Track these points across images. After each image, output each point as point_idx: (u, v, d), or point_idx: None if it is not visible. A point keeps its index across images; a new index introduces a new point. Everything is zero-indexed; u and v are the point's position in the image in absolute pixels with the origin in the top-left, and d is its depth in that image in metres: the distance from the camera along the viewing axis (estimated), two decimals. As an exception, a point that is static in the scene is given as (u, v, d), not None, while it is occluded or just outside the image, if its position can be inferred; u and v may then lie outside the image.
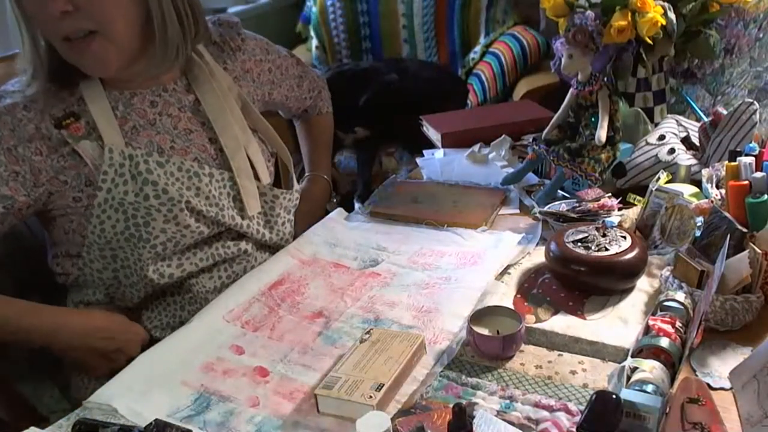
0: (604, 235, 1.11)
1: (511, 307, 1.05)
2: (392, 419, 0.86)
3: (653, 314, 0.97)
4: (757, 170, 1.09)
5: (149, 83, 1.19)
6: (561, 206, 1.28)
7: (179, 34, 1.14)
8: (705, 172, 1.22)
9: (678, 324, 0.93)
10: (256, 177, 1.27)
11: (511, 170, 1.50)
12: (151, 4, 1.09)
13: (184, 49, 1.17)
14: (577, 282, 1.08)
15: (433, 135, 1.77)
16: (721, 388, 0.88)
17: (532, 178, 1.48)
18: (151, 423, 0.84)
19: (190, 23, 1.16)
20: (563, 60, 1.33)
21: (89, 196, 1.13)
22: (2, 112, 1.11)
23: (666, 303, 0.98)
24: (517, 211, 1.39)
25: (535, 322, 1.03)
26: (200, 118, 1.23)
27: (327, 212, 1.46)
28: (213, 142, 1.23)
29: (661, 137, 1.38)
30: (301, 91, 1.49)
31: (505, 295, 1.11)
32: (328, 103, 1.62)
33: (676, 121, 1.44)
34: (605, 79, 1.33)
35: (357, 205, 1.48)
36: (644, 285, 1.09)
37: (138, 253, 1.15)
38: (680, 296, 0.98)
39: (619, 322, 1.01)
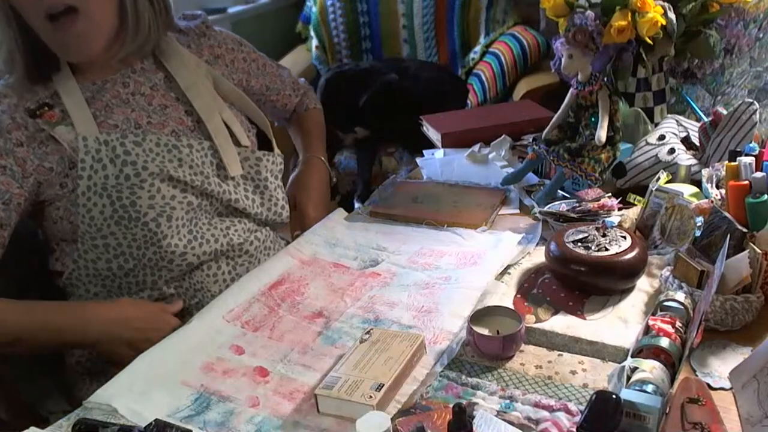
0: (604, 235, 1.11)
1: (511, 307, 1.05)
2: (392, 419, 0.86)
3: (653, 314, 0.97)
4: (757, 170, 1.09)
5: (118, 66, 1.22)
6: (561, 206, 1.28)
7: (151, 15, 1.19)
8: (705, 172, 1.22)
9: (678, 324, 0.93)
10: (236, 143, 1.28)
11: (511, 170, 1.50)
12: None
13: (156, 30, 1.21)
14: (577, 282, 1.08)
15: (433, 135, 1.77)
16: (721, 388, 0.88)
17: (532, 178, 1.48)
18: (151, 423, 0.84)
19: (160, 6, 1.21)
20: (563, 60, 1.33)
21: (74, 179, 1.15)
22: None
23: (666, 303, 0.98)
24: (517, 211, 1.39)
25: (535, 322, 1.03)
26: (173, 93, 1.26)
27: (332, 194, 1.47)
28: (189, 114, 1.26)
29: (661, 137, 1.38)
30: (284, 84, 1.52)
31: (505, 295, 1.11)
32: (315, 101, 1.66)
33: (676, 121, 1.44)
34: (605, 79, 1.33)
35: (357, 205, 1.48)
36: (644, 285, 1.09)
37: (132, 234, 1.16)
38: (680, 296, 0.98)
39: (619, 322, 1.01)
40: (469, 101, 2.70)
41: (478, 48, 2.81)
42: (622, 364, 0.88)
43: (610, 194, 1.28)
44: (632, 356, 0.90)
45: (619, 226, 1.15)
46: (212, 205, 1.25)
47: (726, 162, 1.14)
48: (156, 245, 1.18)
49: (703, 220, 1.10)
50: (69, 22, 1.10)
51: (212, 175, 1.23)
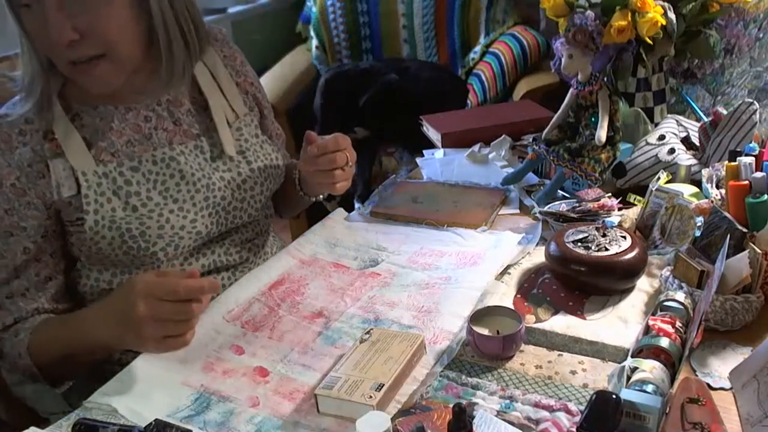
0: (604, 235, 1.11)
1: (511, 307, 1.05)
2: (392, 419, 0.87)
3: (653, 314, 0.97)
4: (757, 170, 1.09)
5: (144, 98, 1.18)
6: (561, 206, 1.28)
7: (185, 52, 1.14)
8: (705, 172, 1.22)
9: (678, 324, 0.93)
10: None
11: (511, 170, 1.50)
12: (156, 23, 1.08)
13: (190, 67, 1.17)
14: (577, 282, 1.08)
15: (433, 135, 1.77)
16: (721, 388, 0.88)
17: (532, 178, 1.48)
18: (151, 423, 0.84)
19: (194, 40, 1.15)
20: (563, 60, 1.33)
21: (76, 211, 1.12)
22: None
23: (666, 303, 0.98)
24: (517, 211, 1.39)
25: (535, 322, 1.03)
26: (198, 126, 1.22)
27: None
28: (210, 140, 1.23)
29: (661, 137, 1.38)
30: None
31: (505, 295, 1.11)
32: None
33: (676, 121, 1.44)
34: (605, 79, 1.33)
35: (357, 205, 1.48)
36: (644, 285, 1.09)
37: (139, 260, 1.14)
38: (680, 296, 0.98)
39: (619, 322, 1.01)
40: (469, 101, 2.70)
41: (478, 48, 2.81)
42: (622, 364, 0.88)
43: (610, 194, 1.28)
44: (632, 356, 0.90)
45: (619, 226, 1.15)
46: (218, 222, 1.20)
47: (726, 162, 1.14)
48: (160, 267, 1.16)
49: (703, 220, 1.10)
50: (90, 66, 1.06)
51: (209, 167, 1.20)
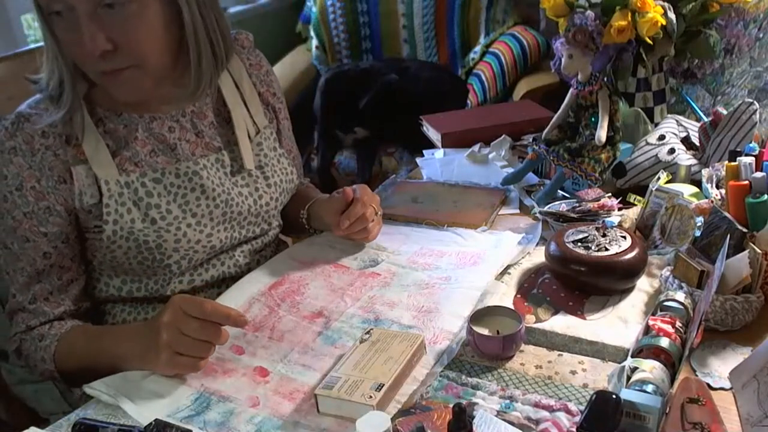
0: (604, 235, 1.11)
1: (511, 307, 1.05)
2: (392, 419, 0.87)
3: (653, 314, 0.97)
4: (757, 170, 1.09)
5: (168, 108, 1.17)
6: (561, 206, 1.28)
7: (212, 63, 1.13)
8: (705, 172, 1.22)
9: (678, 324, 0.93)
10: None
11: (511, 170, 1.50)
12: (187, 34, 1.08)
13: (216, 77, 1.16)
14: (577, 282, 1.08)
15: (433, 135, 1.77)
16: (721, 388, 0.88)
17: (532, 178, 1.48)
18: (151, 423, 0.84)
19: (221, 51, 1.14)
20: (563, 60, 1.33)
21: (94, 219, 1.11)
22: (18, 147, 1.07)
23: (666, 303, 0.98)
24: (517, 211, 1.39)
25: (535, 322, 1.03)
26: (219, 138, 1.21)
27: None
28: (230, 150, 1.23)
29: (661, 137, 1.38)
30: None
31: (505, 295, 1.11)
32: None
33: (676, 121, 1.44)
34: (605, 79, 1.33)
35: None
36: (644, 285, 1.09)
37: (152, 270, 1.15)
38: (680, 296, 0.98)
39: (619, 322, 1.01)
40: (469, 101, 2.70)
41: (478, 48, 2.81)
42: (622, 364, 0.88)
43: (610, 194, 1.28)
44: (632, 356, 0.90)
45: (619, 226, 1.15)
46: (232, 236, 1.21)
47: (726, 162, 1.14)
48: (173, 279, 1.17)
49: (703, 220, 1.10)
50: (121, 73, 1.05)
51: (229, 182, 1.20)
